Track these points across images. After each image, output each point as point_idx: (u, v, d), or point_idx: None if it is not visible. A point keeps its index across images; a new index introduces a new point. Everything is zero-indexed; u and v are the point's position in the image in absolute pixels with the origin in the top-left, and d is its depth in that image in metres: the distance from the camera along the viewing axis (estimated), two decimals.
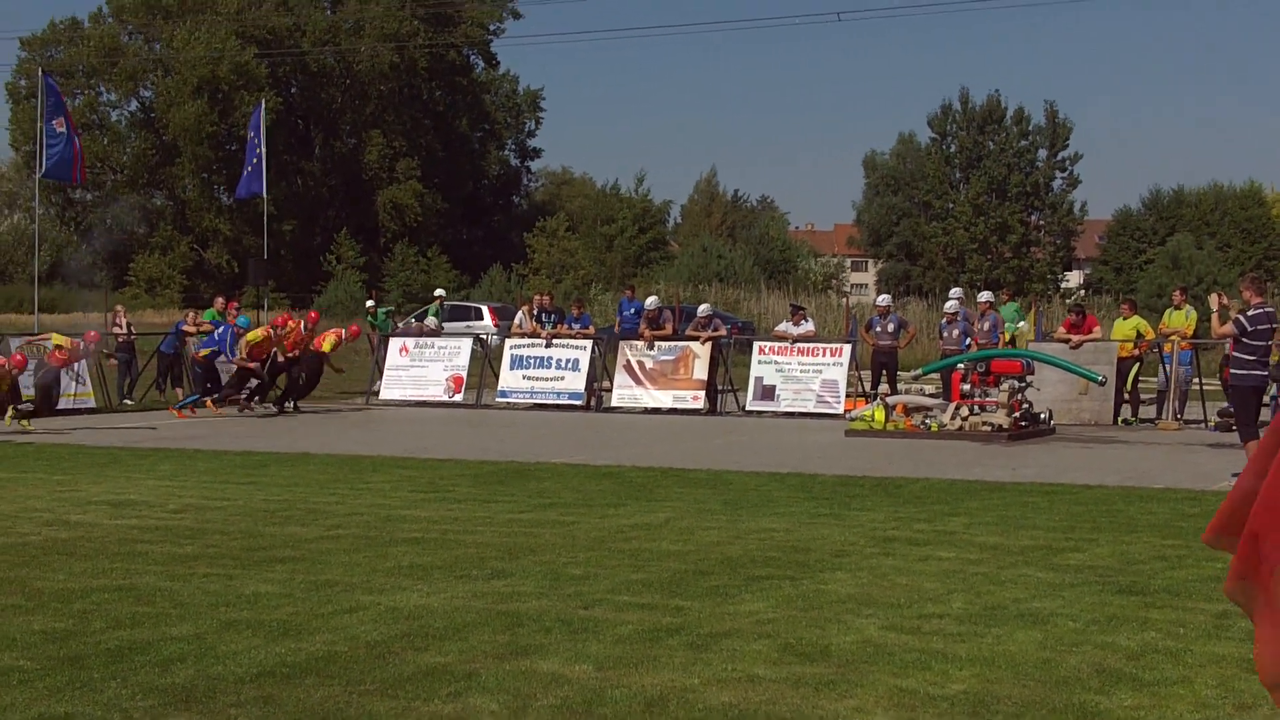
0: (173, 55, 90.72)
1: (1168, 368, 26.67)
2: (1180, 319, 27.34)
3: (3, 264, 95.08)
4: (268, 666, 8.03)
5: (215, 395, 28.25)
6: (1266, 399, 25.57)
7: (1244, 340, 17.16)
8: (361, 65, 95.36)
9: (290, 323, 29.50)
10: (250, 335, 28.11)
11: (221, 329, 29.01)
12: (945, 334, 28.41)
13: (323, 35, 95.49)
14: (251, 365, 28.03)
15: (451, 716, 7.06)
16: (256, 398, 28.58)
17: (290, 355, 28.60)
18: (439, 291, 43.75)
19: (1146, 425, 25.89)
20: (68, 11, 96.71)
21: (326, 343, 29.38)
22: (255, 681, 7.73)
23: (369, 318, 39.80)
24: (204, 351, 28.53)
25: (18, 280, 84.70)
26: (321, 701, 7.32)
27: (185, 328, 32.19)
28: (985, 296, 30.13)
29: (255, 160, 38.35)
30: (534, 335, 31.06)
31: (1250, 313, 17.28)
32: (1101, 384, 24.56)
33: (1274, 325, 17.91)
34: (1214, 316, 18.16)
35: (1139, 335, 26.99)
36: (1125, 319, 27.33)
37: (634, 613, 9.41)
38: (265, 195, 40.20)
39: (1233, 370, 17.78)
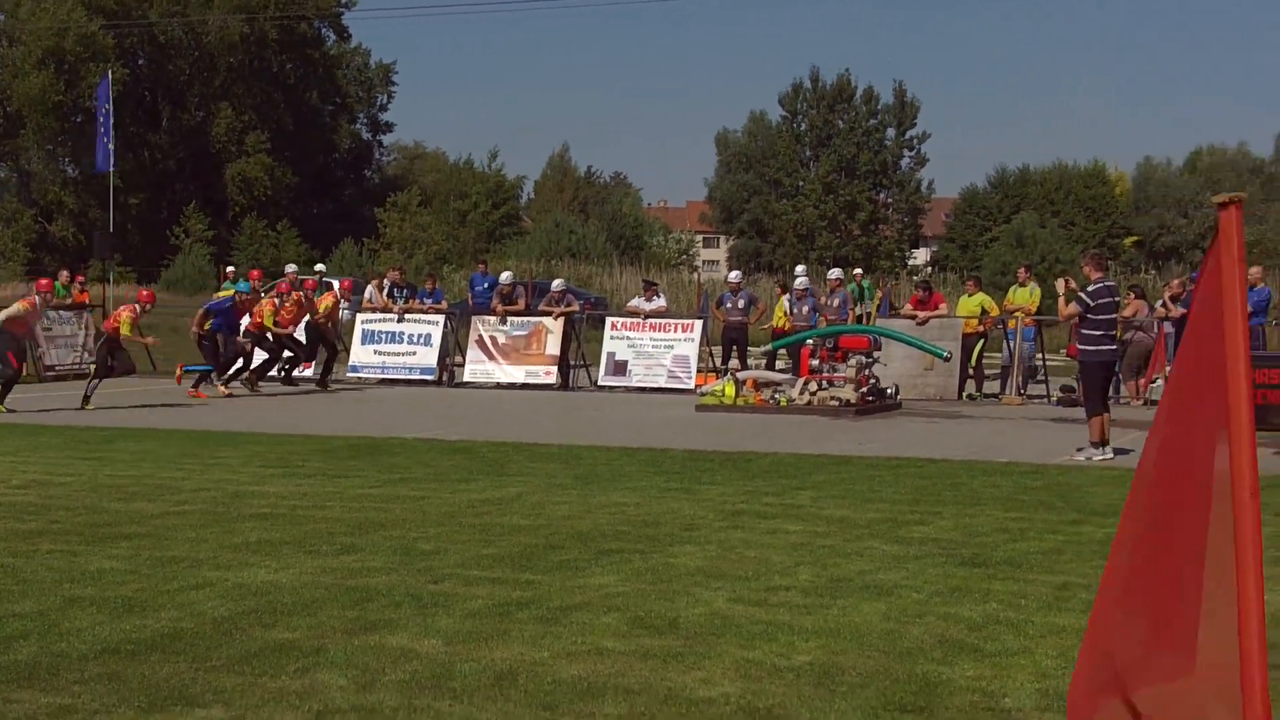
0: (18, 26, 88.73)
1: (1012, 344, 27.11)
2: (1024, 296, 27.82)
3: None
4: (112, 643, 7.95)
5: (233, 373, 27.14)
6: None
7: (1089, 317, 17.46)
8: (210, 37, 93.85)
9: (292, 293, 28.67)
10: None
11: (220, 302, 28.03)
12: (794, 310, 28.64)
13: (171, 6, 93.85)
14: (285, 333, 27.50)
15: (299, 692, 7.03)
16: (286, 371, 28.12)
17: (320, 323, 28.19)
18: (319, 267, 42.65)
19: (991, 400, 26.31)
20: None
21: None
22: (99, 658, 7.65)
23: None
24: (206, 324, 26.99)
25: None
26: (167, 678, 7.26)
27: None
28: (835, 274, 30.43)
29: (103, 133, 37.63)
30: (385, 310, 30.86)
31: (1091, 288, 17.60)
32: (947, 359, 24.91)
33: (1116, 298, 18.23)
34: (1060, 299, 18.46)
35: (984, 311, 27.43)
36: (970, 295, 27.78)
37: (484, 587, 9.42)
38: (112, 168, 39.50)
39: (1081, 347, 18.08)
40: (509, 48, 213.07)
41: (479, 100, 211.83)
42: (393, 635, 8.14)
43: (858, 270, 34.28)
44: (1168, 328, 25.00)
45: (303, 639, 8.06)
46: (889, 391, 24.47)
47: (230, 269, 41.40)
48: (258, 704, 6.84)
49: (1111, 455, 16.89)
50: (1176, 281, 28.46)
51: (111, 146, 36.81)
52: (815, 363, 23.97)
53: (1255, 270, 26.79)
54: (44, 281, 26.99)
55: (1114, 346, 18.41)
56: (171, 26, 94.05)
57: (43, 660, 7.61)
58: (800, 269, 31.74)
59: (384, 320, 30.72)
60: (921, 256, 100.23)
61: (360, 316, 31.28)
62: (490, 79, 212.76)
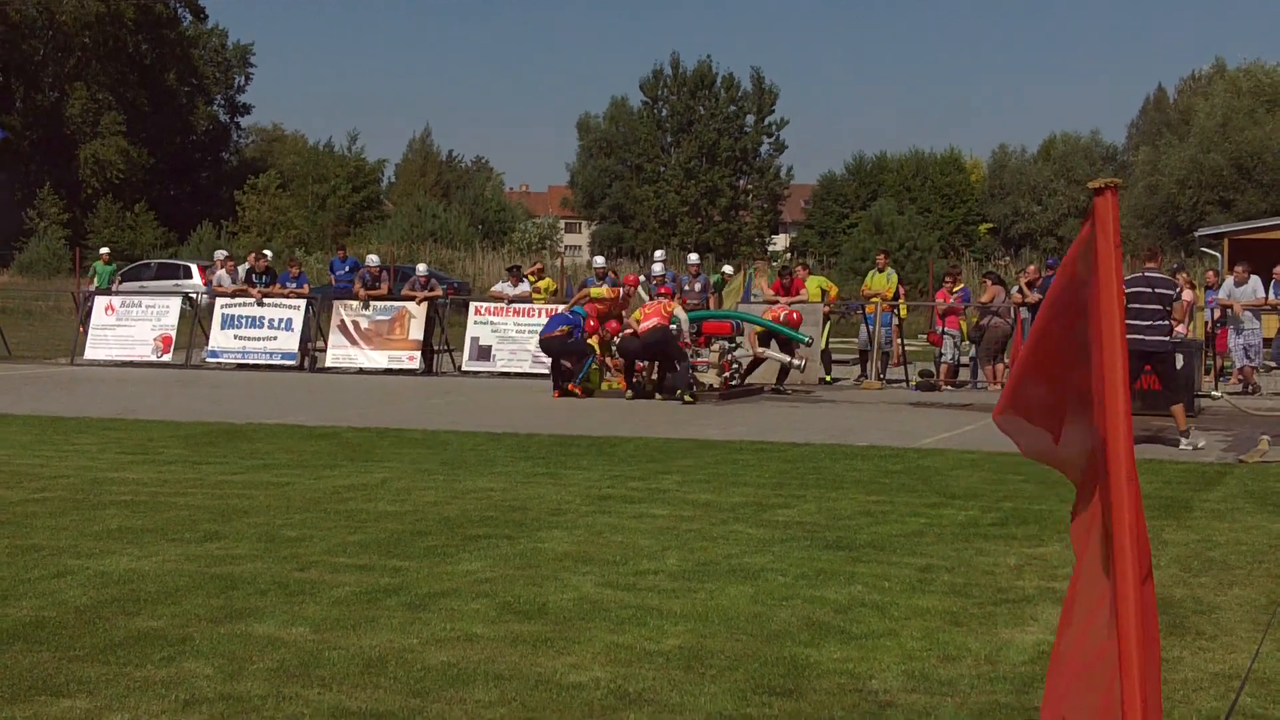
0: None
1: (871, 328, 27.40)
2: (882, 281, 28.15)
3: None
4: None
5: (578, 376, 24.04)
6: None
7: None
8: (65, 16, 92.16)
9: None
10: (596, 291, 24.85)
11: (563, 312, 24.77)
12: (686, 288, 28.69)
13: None
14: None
15: (165, 681, 6.96)
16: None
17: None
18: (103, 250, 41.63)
19: (842, 382, 26.61)
20: None
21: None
22: None
23: (92, 273, 38.33)
24: (558, 331, 23.85)
25: None
26: (30, 668, 7.16)
27: None
28: (694, 259, 30.57)
29: None
30: (245, 294, 30.54)
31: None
32: (808, 345, 25.08)
33: (1152, 289, 17.45)
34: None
35: (823, 293, 27.77)
36: (804, 279, 28.21)
37: (351, 574, 9.37)
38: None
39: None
40: (369, 29, 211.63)
41: (339, 82, 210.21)
42: (259, 623, 8.08)
43: (727, 269, 34.30)
44: (1024, 313, 25.40)
45: (168, 628, 7.97)
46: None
47: (104, 251, 40.50)
48: (124, 694, 6.76)
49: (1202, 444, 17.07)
50: (1033, 267, 28.93)
51: None
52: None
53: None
54: None
55: (1161, 337, 17.07)
56: (25, 5, 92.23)
57: None
58: (659, 254, 31.76)
59: (244, 305, 30.40)
60: (781, 242, 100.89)
61: (219, 301, 30.91)
62: (350, 61, 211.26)
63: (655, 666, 7.26)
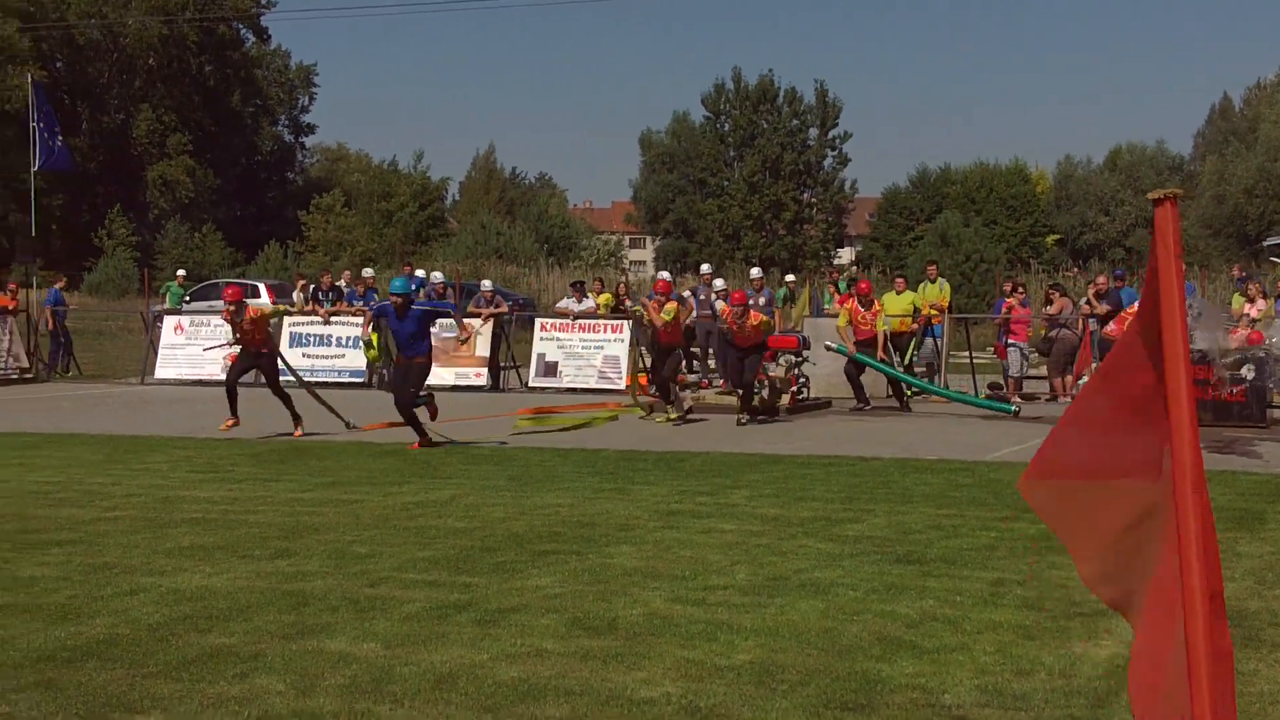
0: None
1: (938, 341, 27.24)
2: (935, 292, 27.97)
3: None
4: (47, 651, 7.87)
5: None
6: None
7: None
8: (129, 38, 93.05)
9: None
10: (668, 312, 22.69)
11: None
12: (750, 302, 28.50)
13: (89, 7, 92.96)
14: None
15: (238, 698, 6.99)
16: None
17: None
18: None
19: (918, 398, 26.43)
20: None
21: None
22: (35, 666, 7.57)
23: (164, 290, 38.63)
24: None
25: None
26: (104, 685, 7.20)
27: None
28: (756, 273, 30.49)
29: (48, 134, 36.92)
30: (312, 313, 30.70)
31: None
32: (1016, 415, 22.92)
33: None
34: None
35: (915, 310, 27.39)
36: (900, 294, 27.71)
37: (421, 590, 9.39)
38: (46, 170, 38.96)
39: None
40: (432, 48, 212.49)
41: (402, 101, 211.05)
42: (331, 639, 8.11)
43: (790, 277, 34.22)
44: (1092, 324, 25.21)
45: (240, 644, 8.01)
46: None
47: (181, 273, 40.85)
48: (197, 710, 6.79)
49: None
50: (1102, 278, 28.70)
51: (39, 148, 36.21)
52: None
53: None
54: None
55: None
56: (89, 28, 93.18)
57: None
58: (705, 268, 31.63)
59: (311, 324, 30.55)
60: (846, 255, 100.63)
61: (287, 320, 31.09)
62: (414, 80, 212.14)
63: (726, 682, 7.23)
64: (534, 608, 8.85)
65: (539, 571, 9.98)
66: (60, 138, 38.01)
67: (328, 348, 30.27)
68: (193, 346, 31.16)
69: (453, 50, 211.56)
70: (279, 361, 21.08)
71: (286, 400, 20.41)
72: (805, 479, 15.04)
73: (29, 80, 38.91)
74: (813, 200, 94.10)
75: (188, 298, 41.06)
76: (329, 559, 10.49)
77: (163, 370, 31.22)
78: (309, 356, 30.29)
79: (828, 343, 24.69)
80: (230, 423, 19.76)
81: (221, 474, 15.59)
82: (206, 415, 22.01)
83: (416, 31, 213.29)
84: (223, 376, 29.71)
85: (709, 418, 22.38)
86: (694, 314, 27.22)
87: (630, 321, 28.11)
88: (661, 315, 22.29)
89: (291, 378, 22.09)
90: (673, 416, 22.17)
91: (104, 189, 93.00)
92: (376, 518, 12.45)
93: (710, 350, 27.86)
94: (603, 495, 13.83)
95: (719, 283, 29.23)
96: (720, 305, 23.49)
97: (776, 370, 23.80)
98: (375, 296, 32.48)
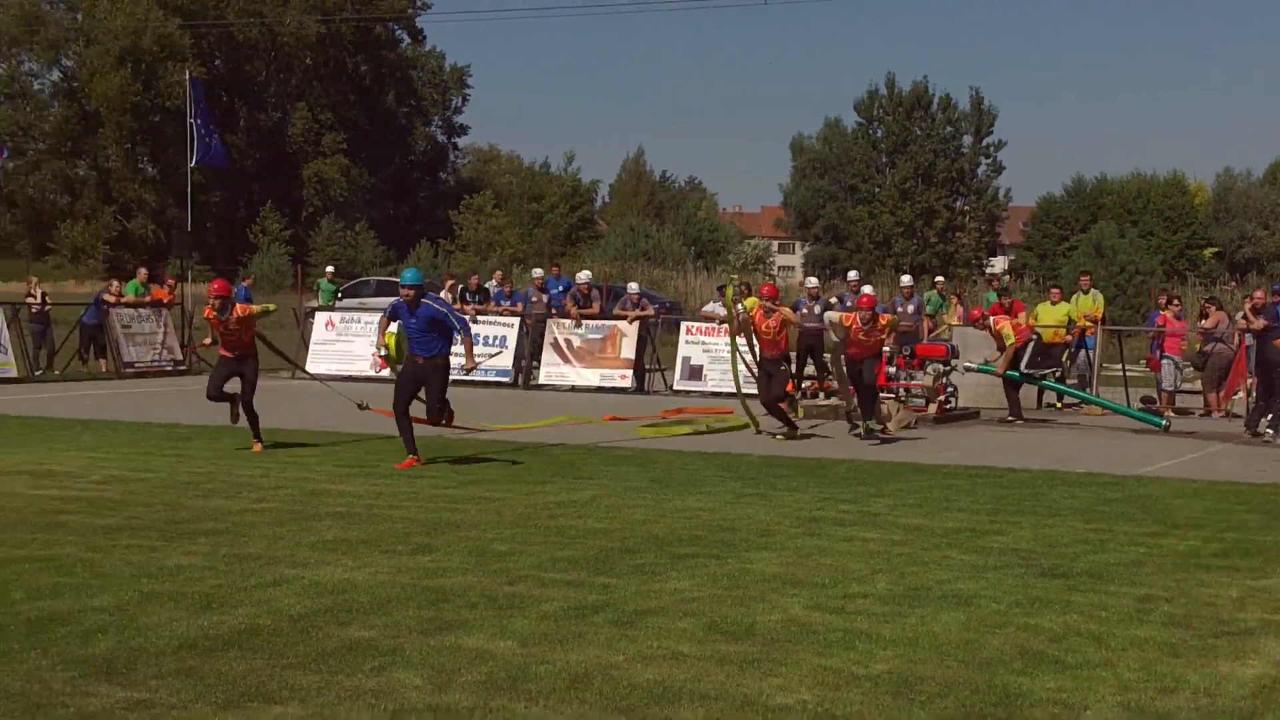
0: (95, 25, 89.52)
1: (1091, 353, 26.83)
2: (1088, 303, 27.51)
3: None
4: (190, 639, 7.97)
5: None
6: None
7: None
8: (287, 37, 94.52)
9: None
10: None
11: None
12: (899, 310, 28.31)
13: (247, 5, 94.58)
14: None
15: (375, 691, 7.02)
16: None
17: None
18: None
19: (1070, 409, 26.03)
20: None
21: None
22: (176, 654, 7.66)
23: (318, 288, 39.25)
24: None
25: None
26: (244, 675, 7.27)
27: (105, 297, 31.92)
28: (906, 280, 30.23)
29: (204, 131, 37.54)
30: (463, 310, 30.95)
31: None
32: (1166, 429, 22.36)
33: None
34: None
35: (1070, 321, 26.96)
36: (1055, 304, 27.29)
37: (559, 589, 9.39)
38: (202, 166, 39.64)
39: None
40: (584, 51, 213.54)
41: (554, 104, 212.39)
42: (469, 636, 8.13)
43: (939, 278, 33.92)
44: (1249, 339, 24.68)
45: (379, 638, 8.05)
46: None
47: (330, 269, 41.48)
48: (334, 702, 6.83)
49: None
50: (1259, 293, 28.08)
51: (194, 144, 36.80)
52: (892, 370, 23.71)
53: None
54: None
55: None
56: (248, 26, 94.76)
57: (120, 655, 7.63)
58: (853, 275, 31.35)
59: None
60: (999, 265, 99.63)
61: None
62: (565, 83, 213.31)
63: (863, 691, 7.14)
64: (672, 610, 8.81)
65: (678, 574, 9.94)
66: (216, 134, 38.61)
67: (477, 345, 30.42)
68: (342, 343, 31.52)
69: (605, 53, 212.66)
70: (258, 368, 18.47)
71: (255, 418, 17.93)
72: (950, 489, 14.87)
73: (187, 77, 39.55)
74: (965, 208, 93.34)
75: (340, 294, 41.55)
76: (469, 556, 10.53)
77: (313, 365, 31.54)
78: (457, 355, 30.47)
79: (967, 364, 24.29)
80: (257, 447, 17.65)
81: (367, 469, 15.74)
82: (355, 410, 22.21)
83: (569, 34, 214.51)
84: (372, 373, 30.14)
85: (820, 424, 22.06)
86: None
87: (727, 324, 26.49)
88: (773, 320, 20.63)
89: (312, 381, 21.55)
90: (783, 432, 20.50)
91: (260, 186, 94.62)
92: (518, 516, 12.49)
93: (811, 361, 27.44)
94: (744, 500, 13.78)
95: (812, 281, 28.96)
96: (833, 315, 21.62)
97: (924, 379, 23.57)
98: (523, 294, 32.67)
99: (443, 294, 32.59)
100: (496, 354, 29.53)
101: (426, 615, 8.61)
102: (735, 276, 25.87)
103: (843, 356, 20.58)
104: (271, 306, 20.00)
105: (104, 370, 31.59)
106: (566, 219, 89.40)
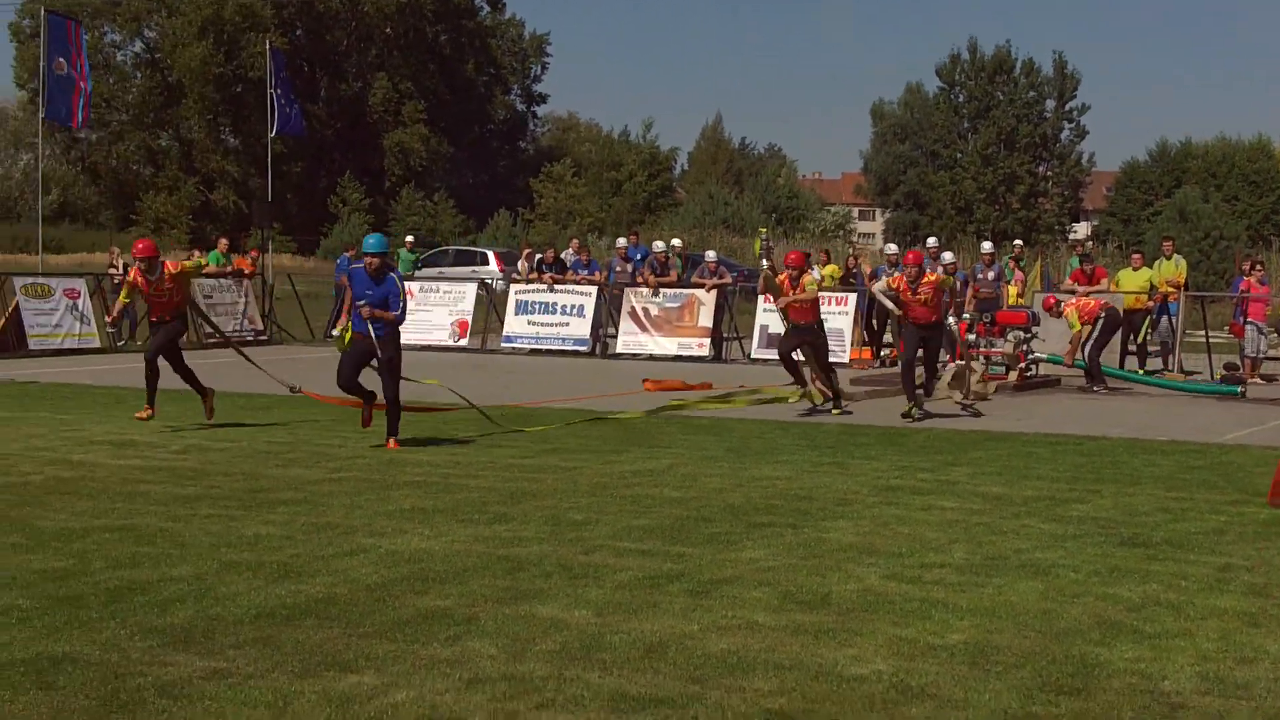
0: None
1: (1174, 319, 26.56)
2: (1171, 268, 27.22)
3: (12, 203, 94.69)
4: (267, 608, 8.03)
5: None
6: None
7: None
8: (367, 7, 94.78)
9: None
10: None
11: None
12: (980, 276, 28.13)
13: None
14: None
15: (450, 660, 7.04)
16: None
17: None
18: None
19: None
20: None
21: None
22: (254, 622, 7.72)
23: (396, 259, 39.44)
24: None
25: (25, 220, 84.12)
26: (321, 643, 7.31)
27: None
28: (987, 247, 30.01)
29: (284, 100, 37.73)
30: (539, 280, 31.04)
31: None
32: (1242, 396, 22.19)
33: None
34: None
35: (1152, 287, 26.68)
36: (1136, 270, 27.03)
37: (634, 559, 9.40)
38: (282, 135, 39.86)
39: None
40: (663, 18, 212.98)
41: (632, 71, 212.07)
42: (543, 605, 8.14)
43: (1018, 241, 33.65)
44: None
45: (454, 607, 8.08)
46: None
47: (410, 238, 41.61)
48: (409, 671, 6.86)
49: None
50: None
51: (274, 113, 37.00)
52: (972, 337, 23.51)
53: None
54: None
55: None
56: None
57: (199, 624, 7.69)
58: (932, 241, 31.09)
59: (537, 291, 30.87)
60: (1082, 230, 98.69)
61: (514, 287, 31.53)
62: (644, 50, 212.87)
63: (939, 661, 7.11)
64: (747, 580, 8.80)
65: (753, 544, 9.92)
66: (296, 104, 38.83)
67: (552, 315, 30.54)
68: (421, 311, 31.62)
69: (684, 19, 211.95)
70: (186, 330, 17.53)
71: (193, 381, 17.22)
72: (1030, 457, 14.76)
73: (268, 47, 39.77)
74: (1048, 174, 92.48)
75: (419, 263, 41.73)
76: (545, 525, 10.55)
77: None
78: (534, 324, 30.63)
79: (1041, 354, 23.92)
80: (147, 413, 16.64)
81: (445, 437, 15.78)
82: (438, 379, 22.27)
83: (647, 2, 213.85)
84: (450, 342, 30.27)
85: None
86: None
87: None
88: (798, 291, 19.30)
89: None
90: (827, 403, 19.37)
91: (340, 156, 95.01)
92: (594, 485, 12.51)
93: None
94: (821, 469, 13.73)
95: (892, 248, 28.69)
96: (879, 284, 20.19)
97: (1004, 346, 23.40)
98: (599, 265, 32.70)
99: (520, 264, 32.71)
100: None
101: (502, 584, 8.63)
102: (764, 231, 25.52)
103: (904, 329, 19.44)
104: (203, 261, 18.56)
105: (185, 340, 31.84)
106: (645, 187, 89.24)
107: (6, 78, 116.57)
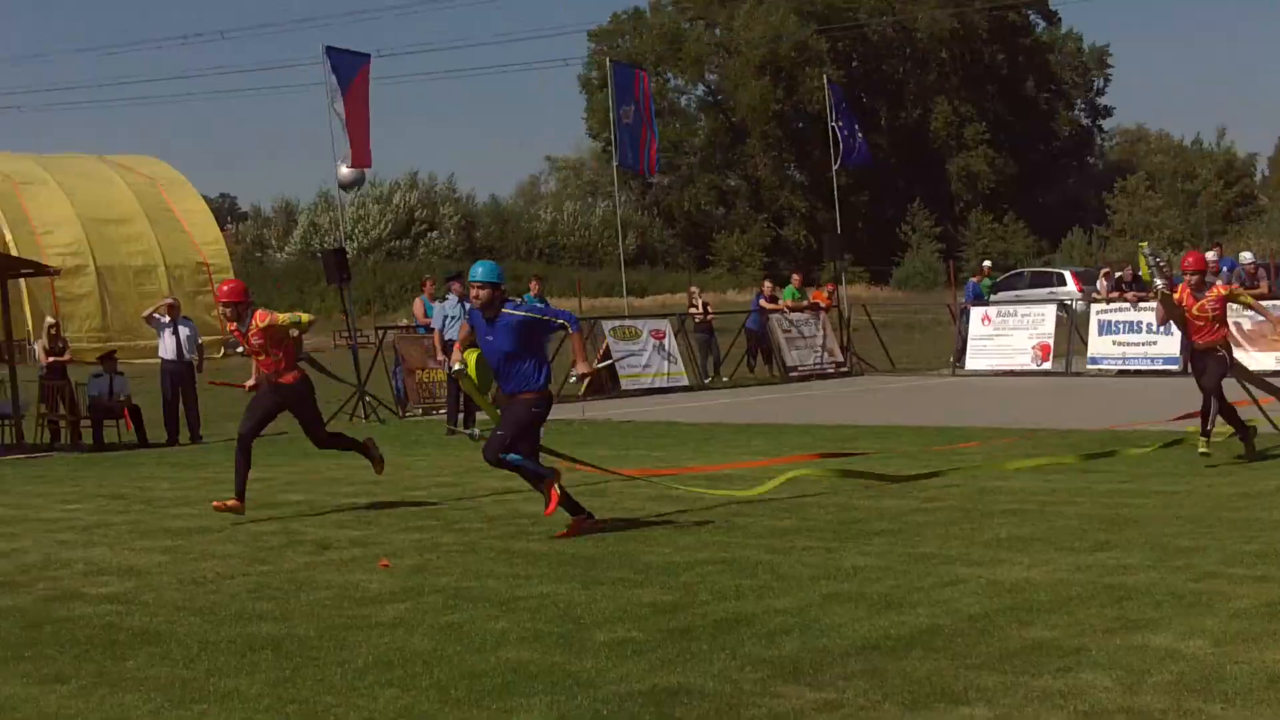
0: (735, 37, 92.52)
1: None
2: None
3: (591, 249, 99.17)
4: (871, 639, 8.05)
5: None
6: None
7: None
8: (921, 33, 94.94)
9: None
10: None
11: None
12: None
13: (879, 6, 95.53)
14: None
15: (1063, 692, 6.88)
16: None
17: None
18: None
19: None
20: (627, 3, 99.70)
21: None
22: (860, 654, 7.75)
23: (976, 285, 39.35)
24: None
25: (606, 265, 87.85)
26: (929, 675, 7.27)
27: (762, 302, 32.99)
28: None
29: (847, 132, 38.27)
30: (1121, 299, 30.29)
31: None
32: None
33: None
34: None
35: None
36: None
37: (1249, 585, 8.97)
38: (848, 167, 40.38)
39: None
40: (1228, 20, 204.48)
41: (1201, 77, 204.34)
42: (1156, 635, 7.86)
43: None
44: None
45: (1062, 638, 7.90)
46: None
47: (986, 264, 40.99)
48: (1021, 703, 6.74)
49: None
50: None
51: (846, 146, 37.49)
52: None
53: None
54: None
55: None
56: (882, 26, 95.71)
57: (805, 655, 7.78)
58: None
59: (1121, 310, 30.11)
60: None
61: (1094, 307, 30.89)
62: (1209, 54, 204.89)
63: None
64: None
65: None
66: (860, 134, 39.26)
67: (1137, 334, 29.68)
68: (1001, 337, 31.34)
69: (1247, 22, 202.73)
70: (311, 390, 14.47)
71: (342, 443, 14.86)
72: None
73: (825, 81, 40.34)
74: None
75: (993, 288, 41.38)
76: (1150, 551, 10.21)
77: (973, 361, 31.60)
78: (1120, 344, 29.86)
79: None
80: (232, 504, 13.74)
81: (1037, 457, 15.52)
82: (1017, 404, 22.03)
83: (1208, 4, 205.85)
84: (1033, 366, 29.81)
85: None
86: None
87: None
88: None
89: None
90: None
91: (904, 183, 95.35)
92: (1198, 510, 12.04)
93: None
94: None
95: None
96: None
97: None
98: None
99: (1099, 283, 31.96)
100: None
101: (1110, 614, 8.39)
102: (1144, 245, 23.61)
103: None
104: (306, 317, 14.69)
105: (769, 375, 32.58)
106: (1221, 196, 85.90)
107: (580, 129, 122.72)
